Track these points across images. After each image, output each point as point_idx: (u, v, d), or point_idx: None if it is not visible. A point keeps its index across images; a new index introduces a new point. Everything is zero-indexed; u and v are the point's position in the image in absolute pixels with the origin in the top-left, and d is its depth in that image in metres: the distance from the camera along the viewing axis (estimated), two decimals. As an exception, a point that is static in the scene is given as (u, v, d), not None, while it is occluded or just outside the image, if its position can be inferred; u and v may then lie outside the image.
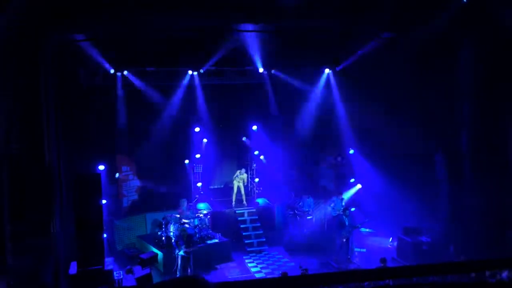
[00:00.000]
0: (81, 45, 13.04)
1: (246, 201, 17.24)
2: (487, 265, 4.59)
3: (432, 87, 14.30)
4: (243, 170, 17.29)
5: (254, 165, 18.24)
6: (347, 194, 17.04)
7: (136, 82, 15.44)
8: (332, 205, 16.11)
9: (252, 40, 14.35)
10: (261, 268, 14.12)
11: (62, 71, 12.61)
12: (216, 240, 14.65)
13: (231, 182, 17.44)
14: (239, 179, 17.10)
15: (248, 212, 16.51)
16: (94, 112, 14.63)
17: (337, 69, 16.88)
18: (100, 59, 14.14)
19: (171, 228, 14.35)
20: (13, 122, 9.91)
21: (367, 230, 16.11)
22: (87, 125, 14.24)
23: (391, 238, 15.36)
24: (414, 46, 13.31)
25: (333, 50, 15.43)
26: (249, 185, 17.74)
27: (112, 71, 14.97)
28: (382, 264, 10.94)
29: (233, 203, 17.09)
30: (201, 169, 17.37)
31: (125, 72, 15.27)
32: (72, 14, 10.41)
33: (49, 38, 10.97)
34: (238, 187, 17.14)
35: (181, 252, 12.76)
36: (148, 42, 13.55)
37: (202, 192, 17.21)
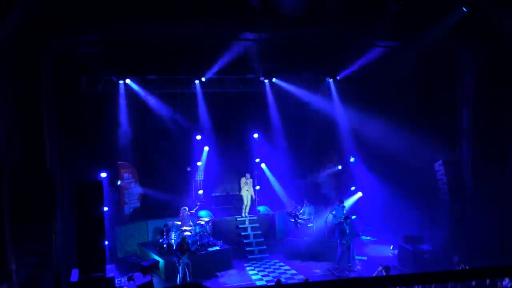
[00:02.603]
0: (83, 52, 13.14)
1: (248, 210, 16.94)
2: (488, 273, 4.61)
3: (432, 96, 14.38)
4: (248, 175, 17.00)
5: (255, 173, 18.27)
6: (348, 202, 17.05)
7: (138, 89, 15.52)
8: (333, 212, 16.12)
9: (253, 49, 14.46)
10: (262, 275, 14.11)
11: (64, 78, 12.70)
12: (217, 248, 14.65)
13: (238, 190, 17.38)
14: (248, 187, 16.74)
15: (249, 220, 16.52)
16: (96, 119, 14.70)
17: (338, 77, 16.97)
18: (102, 67, 14.24)
19: (173, 235, 14.37)
20: (15, 130, 9.99)
21: (368, 238, 16.11)
22: (89, 132, 14.31)
23: (392, 246, 15.35)
24: (415, 55, 13.39)
25: (334, 59, 15.53)
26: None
27: (114, 79, 15.06)
28: (384, 271, 10.95)
29: (244, 213, 16.71)
30: (202, 176, 17.40)
31: (127, 80, 15.36)
32: (73, 22, 10.52)
33: (51, 46, 11.05)
34: (247, 197, 16.74)
35: (183, 260, 12.76)
36: (150, 50, 13.65)
37: (203, 200, 17.20)
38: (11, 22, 8.96)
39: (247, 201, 16.71)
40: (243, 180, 16.85)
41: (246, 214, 16.72)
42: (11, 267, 9.50)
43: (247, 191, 16.72)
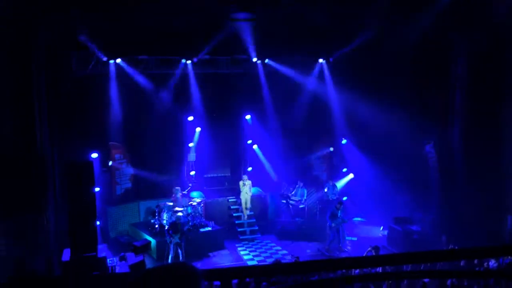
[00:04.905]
0: (73, 32, 12.94)
1: (247, 215, 16.31)
2: (475, 253, 4.69)
3: (425, 78, 14.40)
4: (246, 177, 16.35)
5: (247, 155, 18.27)
6: (340, 183, 17.20)
7: (129, 70, 15.36)
8: (326, 190, 16.36)
9: (246, 29, 14.32)
10: (253, 256, 14.26)
11: (55, 59, 12.51)
12: (209, 228, 14.74)
13: (230, 172, 17.26)
14: (247, 189, 16.13)
15: (241, 202, 16.58)
16: (87, 100, 14.55)
17: (331, 59, 16.91)
18: (93, 47, 14.05)
19: (164, 216, 14.41)
20: (5, 111, 9.88)
21: (359, 219, 16.30)
22: (80, 113, 14.18)
23: (382, 227, 15.54)
24: (409, 37, 13.35)
25: (327, 40, 15.44)
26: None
27: (105, 59, 14.88)
28: (373, 251, 11.10)
29: (245, 217, 16.23)
30: (194, 158, 17.39)
31: (118, 60, 15.18)
32: (64, 3, 10.34)
33: (41, 26, 10.87)
34: (246, 200, 16.21)
35: (174, 240, 12.84)
36: (142, 30, 13.47)
37: (194, 182, 17.20)
38: (1, 2, 8.79)
39: (245, 203, 16.22)
40: (241, 182, 16.26)
41: (245, 216, 16.25)
42: (2, 247, 9.51)
43: (246, 194, 16.20)
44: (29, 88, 10.35)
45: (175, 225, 12.93)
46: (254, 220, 16.25)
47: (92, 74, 14.92)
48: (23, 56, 10.15)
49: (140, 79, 15.57)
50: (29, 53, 10.30)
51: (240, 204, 16.43)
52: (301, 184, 16.72)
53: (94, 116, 14.82)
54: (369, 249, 11.31)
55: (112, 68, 15.22)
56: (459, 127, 13.85)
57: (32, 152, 10.30)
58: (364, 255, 11.54)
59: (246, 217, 16.23)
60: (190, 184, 16.83)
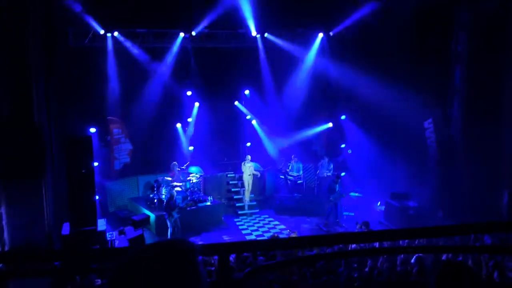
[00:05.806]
0: (69, 4, 12.71)
1: (249, 197, 16.06)
2: (471, 229, 4.71)
3: (426, 53, 14.26)
4: (249, 158, 16.05)
5: (246, 130, 18.25)
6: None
7: (127, 43, 15.18)
8: (320, 167, 16.46)
9: (245, 2, 14.10)
10: (251, 230, 14.39)
11: (51, 31, 12.32)
12: (208, 203, 14.82)
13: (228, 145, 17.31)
14: (250, 171, 15.82)
15: (239, 176, 16.64)
16: (85, 73, 14.40)
17: (331, 33, 16.71)
18: (89, 19, 13.83)
19: (163, 190, 14.49)
20: (2, 84, 9.77)
21: (356, 194, 16.40)
22: (78, 87, 14.06)
23: (379, 203, 15.65)
24: (410, 11, 13.16)
25: (327, 14, 15.23)
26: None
27: (102, 31, 14.67)
28: (363, 227, 11.14)
29: (247, 200, 15.95)
30: (192, 132, 17.37)
31: (115, 33, 14.98)
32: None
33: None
34: (248, 182, 15.93)
35: (172, 215, 12.91)
36: (139, 2, 13.24)
37: (193, 157, 17.21)
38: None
39: (248, 185, 15.98)
40: (244, 164, 16.00)
41: (247, 199, 16.05)
42: (2, 222, 9.55)
43: (249, 176, 15.91)
44: (24, 61, 10.21)
45: (174, 201, 12.97)
46: (252, 196, 16.35)
47: (89, 48, 14.75)
48: (18, 30, 9.98)
49: (138, 52, 15.41)
50: (24, 26, 10.12)
51: (240, 179, 16.47)
52: (296, 159, 16.76)
53: (91, 90, 14.70)
54: (359, 226, 11.37)
55: (109, 41, 15.04)
56: (458, 103, 13.80)
57: (30, 126, 10.24)
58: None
59: (247, 198, 16.10)
60: (188, 159, 16.86)
